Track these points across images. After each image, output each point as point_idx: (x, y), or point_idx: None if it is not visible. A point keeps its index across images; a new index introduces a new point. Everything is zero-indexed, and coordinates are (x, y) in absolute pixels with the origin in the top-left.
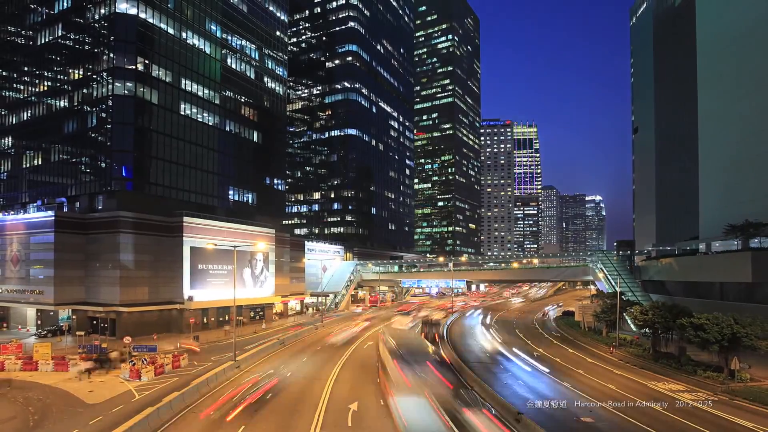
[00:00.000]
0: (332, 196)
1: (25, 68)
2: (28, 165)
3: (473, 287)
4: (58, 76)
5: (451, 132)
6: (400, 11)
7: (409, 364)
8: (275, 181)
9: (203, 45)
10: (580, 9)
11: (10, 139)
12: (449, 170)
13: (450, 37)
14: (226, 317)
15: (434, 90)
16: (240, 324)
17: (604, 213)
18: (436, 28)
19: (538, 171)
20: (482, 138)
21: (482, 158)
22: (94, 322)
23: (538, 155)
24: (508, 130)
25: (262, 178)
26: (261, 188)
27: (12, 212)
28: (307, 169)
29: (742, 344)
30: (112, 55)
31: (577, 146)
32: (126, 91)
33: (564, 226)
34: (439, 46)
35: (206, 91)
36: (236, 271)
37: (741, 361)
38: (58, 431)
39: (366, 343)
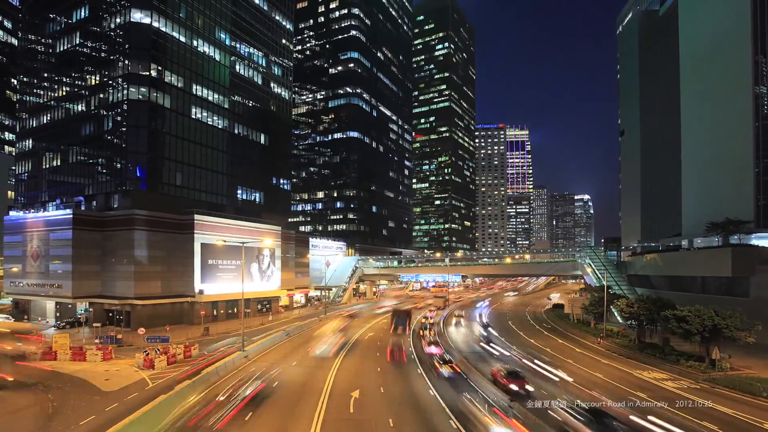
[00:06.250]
0: (335, 195)
1: (45, 74)
2: (47, 166)
3: (468, 281)
4: (76, 82)
5: (447, 135)
6: (400, 20)
7: None
8: (281, 181)
9: (213, 52)
10: (570, 18)
11: (30, 141)
12: (446, 171)
13: (446, 45)
14: (235, 309)
15: (431, 95)
16: (247, 316)
17: (592, 211)
18: (433, 37)
19: (530, 171)
20: (477, 140)
21: (477, 159)
22: (110, 314)
23: (529, 156)
24: (502, 133)
25: (269, 178)
26: (268, 188)
27: (32, 210)
28: (312, 169)
29: (722, 335)
30: (127, 62)
31: (566, 148)
32: (140, 96)
33: (554, 223)
34: (437, 53)
35: (216, 96)
36: (244, 266)
37: (721, 351)
38: (75, 418)
39: (367, 334)
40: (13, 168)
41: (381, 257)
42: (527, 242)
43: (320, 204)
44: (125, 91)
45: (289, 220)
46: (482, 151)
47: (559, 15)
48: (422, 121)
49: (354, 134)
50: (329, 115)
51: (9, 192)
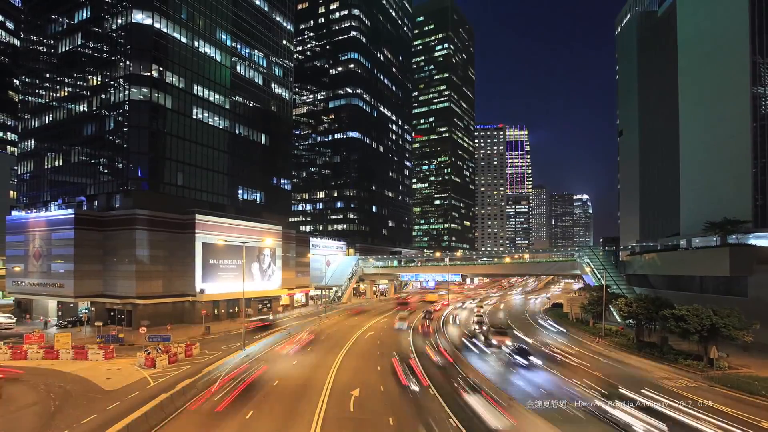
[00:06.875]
0: (335, 195)
1: (47, 75)
2: (49, 166)
3: (468, 281)
4: (78, 82)
5: (447, 135)
6: (399, 21)
7: None
8: (282, 181)
9: (214, 53)
10: (569, 19)
11: (32, 141)
12: (445, 171)
13: (446, 45)
14: (236, 309)
15: (431, 95)
16: (248, 315)
17: (590, 211)
18: (433, 38)
19: (529, 171)
20: (476, 140)
21: (476, 159)
22: (112, 314)
23: (528, 157)
24: (501, 133)
25: (270, 178)
26: (268, 188)
27: (34, 210)
28: (312, 169)
29: (720, 334)
30: (128, 62)
31: (565, 148)
32: (141, 97)
33: (553, 223)
34: (436, 54)
35: (217, 96)
36: (245, 265)
37: (719, 350)
38: (77, 416)
39: (367, 333)
40: (16, 168)
41: (381, 257)
42: (526, 242)
43: (320, 204)
44: (127, 92)
45: (290, 219)
46: (482, 152)
47: (558, 15)
48: (422, 121)
49: (354, 134)
50: (329, 115)
51: (11, 192)
